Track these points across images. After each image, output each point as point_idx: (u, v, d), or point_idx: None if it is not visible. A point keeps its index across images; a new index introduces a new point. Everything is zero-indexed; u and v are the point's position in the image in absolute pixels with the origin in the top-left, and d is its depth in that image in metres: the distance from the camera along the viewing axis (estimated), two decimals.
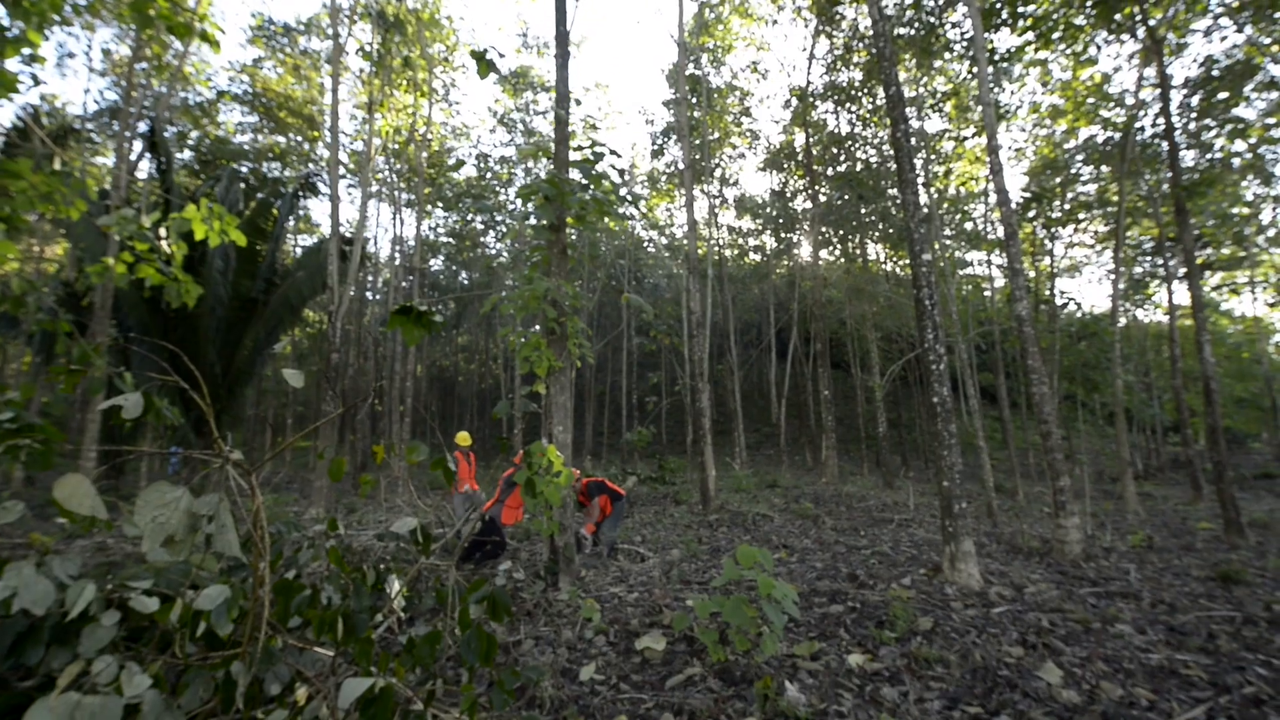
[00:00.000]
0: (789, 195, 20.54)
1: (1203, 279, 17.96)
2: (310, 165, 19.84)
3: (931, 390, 5.77)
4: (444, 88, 18.33)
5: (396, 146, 18.27)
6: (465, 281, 30.73)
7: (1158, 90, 10.17)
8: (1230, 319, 23.70)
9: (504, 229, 25.83)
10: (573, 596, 4.83)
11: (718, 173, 21.41)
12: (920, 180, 13.06)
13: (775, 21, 17.44)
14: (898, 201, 15.57)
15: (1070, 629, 4.22)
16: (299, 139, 19.92)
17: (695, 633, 3.87)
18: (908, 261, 11.12)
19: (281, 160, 19.77)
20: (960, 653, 3.67)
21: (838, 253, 20.30)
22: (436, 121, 19.56)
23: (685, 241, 21.98)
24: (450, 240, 27.23)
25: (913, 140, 10.00)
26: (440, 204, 23.21)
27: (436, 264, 29.86)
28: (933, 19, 12.58)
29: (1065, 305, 18.05)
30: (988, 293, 21.54)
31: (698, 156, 16.92)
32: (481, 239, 26.77)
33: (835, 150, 17.11)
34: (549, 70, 25.36)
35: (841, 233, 18.56)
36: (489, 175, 22.44)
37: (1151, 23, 10.26)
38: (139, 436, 11.34)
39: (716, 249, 21.69)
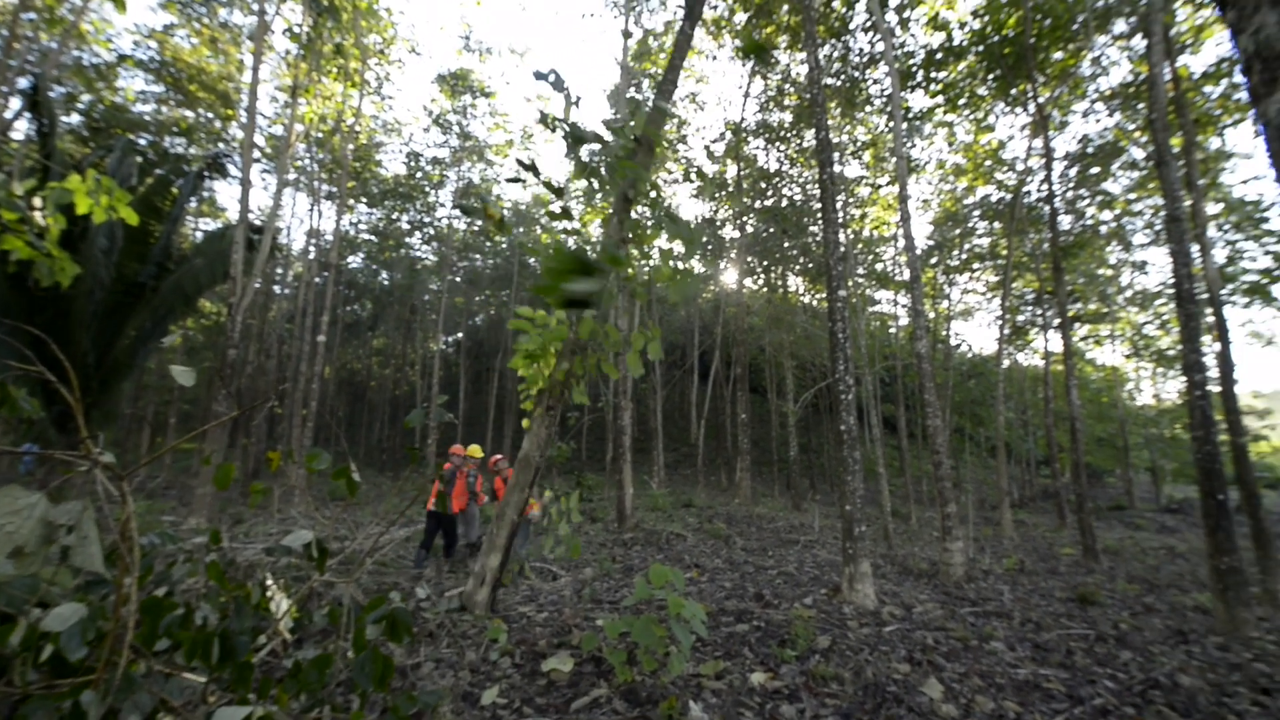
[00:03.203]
0: (718, 224, 21.27)
1: (1072, 330, 20.19)
2: (221, 145, 18.40)
3: (840, 418, 6.11)
4: (377, 80, 17.63)
5: (320, 135, 17.33)
6: (385, 282, 29.40)
7: (1043, 160, 11.44)
8: (1094, 367, 26.70)
9: (431, 230, 25.03)
10: (479, 620, 4.68)
11: (651, 195, 21.81)
12: (839, 221, 13.93)
13: (715, 58, 18.17)
14: (818, 239, 16.53)
15: (952, 646, 4.54)
16: (210, 116, 18.43)
17: (604, 653, 3.85)
18: (825, 295, 11.78)
19: (188, 136, 18.20)
20: (854, 670, 3.87)
21: (761, 282, 21.18)
22: (366, 114, 18.75)
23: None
24: (372, 238, 26.03)
25: (835, 183, 10.67)
26: (364, 199, 22.17)
27: (355, 261, 28.40)
28: (857, 74, 13.56)
29: (959, 346, 19.73)
30: (893, 330, 23.16)
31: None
32: (406, 239, 25.78)
33: (763, 185, 17.95)
34: (490, 75, 25.03)
35: (765, 263, 19.40)
36: (419, 175, 21.73)
37: (1040, 100, 11.57)
38: None
39: (646, 269, 21.99)
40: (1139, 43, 11.48)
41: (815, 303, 21.71)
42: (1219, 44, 11.07)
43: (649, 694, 3.40)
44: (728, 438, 24.61)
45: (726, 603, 5.44)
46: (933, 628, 5.00)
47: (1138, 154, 13.98)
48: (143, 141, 16.40)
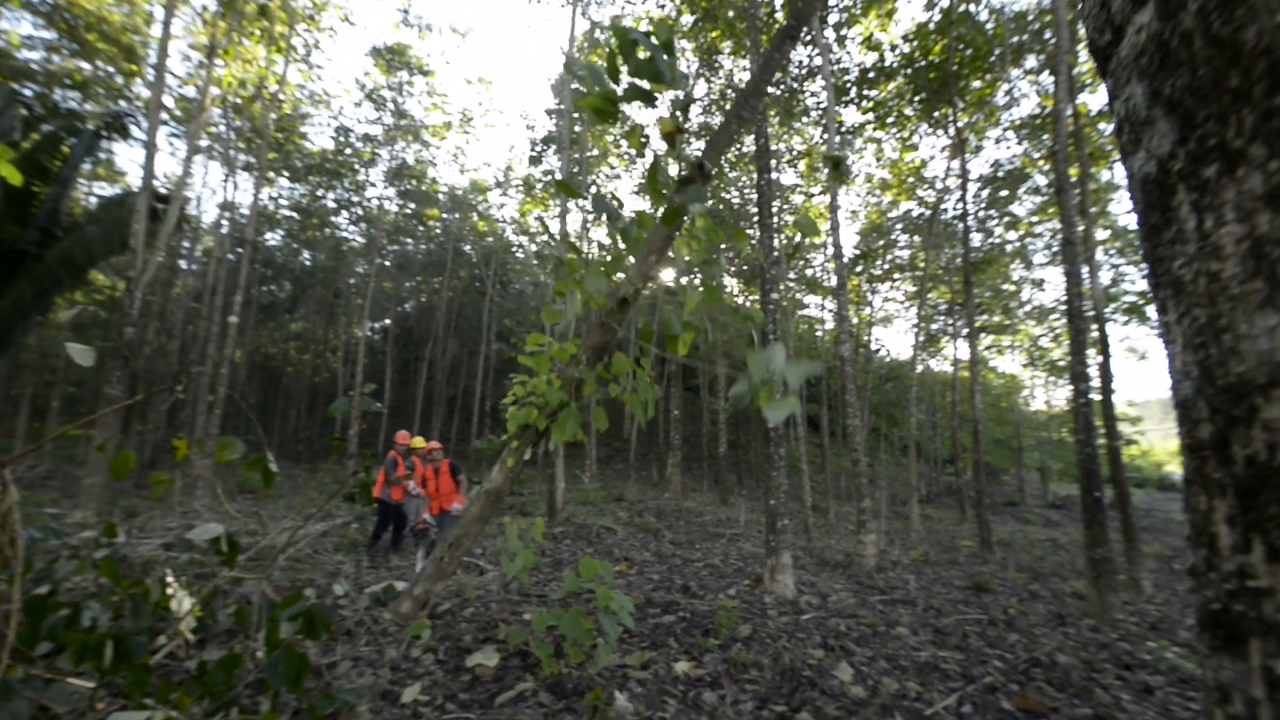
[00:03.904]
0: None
1: (978, 339, 21.81)
2: (123, 103, 16.73)
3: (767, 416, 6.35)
4: (305, 47, 16.57)
5: (239, 101, 16.11)
6: (307, 262, 27.76)
7: (959, 180, 12.28)
8: (995, 374, 28.95)
9: (359, 211, 23.86)
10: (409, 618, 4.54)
11: (594, 188, 21.73)
12: (775, 226, 14.43)
13: None
14: (753, 242, 17.01)
15: (862, 632, 4.84)
16: (110, 70, 16.72)
17: (531, 647, 3.85)
18: (758, 297, 12.13)
19: (83, 90, 16.42)
20: (773, 656, 4.05)
21: (698, 280, 21.56)
22: (292, 82, 17.59)
23: (555, 250, 21.84)
24: (294, 214, 24.48)
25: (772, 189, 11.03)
26: (286, 173, 20.81)
27: (274, 238, 26.64)
28: (796, 85, 14.04)
29: (878, 351, 20.86)
30: (819, 333, 24.21)
31: (576, 170, 17.08)
32: (332, 217, 24.43)
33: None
34: (429, 53, 24.08)
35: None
36: (348, 151, 20.63)
37: (960, 124, 12.41)
38: None
39: (586, 263, 21.92)
40: (1046, 79, 12.53)
41: (749, 304, 22.34)
42: None
43: (575, 686, 3.43)
44: (660, 434, 24.95)
45: (654, 594, 5.55)
46: (846, 615, 5.30)
47: (1041, 181, 15.27)
48: (28, 93, 14.68)
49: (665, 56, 2.90)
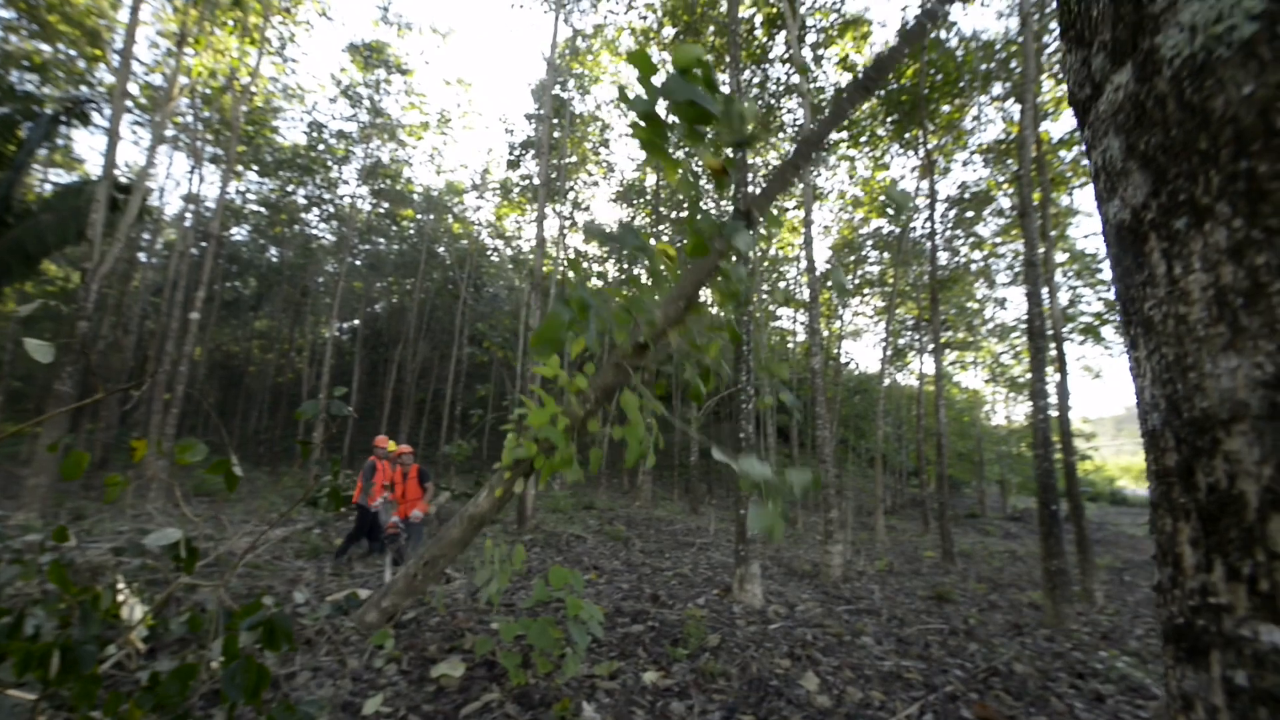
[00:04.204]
0: (637, 229, 21.57)
1: (943, 355, 22.41)
2: (84, 89, 16.12)
3: (739, 426, 6.42)
4: (280, 40, 16.23)
5: (209, 92, 15.68)
6: (274, 259, 27.06)
7: (928, 200, 12.64)
8: (959, 389, 29.75)
9: (330, 208, 23.40)
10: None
11: (571, 195, 21.74)
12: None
13: None
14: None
15: (828, 641, 4.91)
16: (73, 53, 16.10)
17: (498, 657, 3.80)
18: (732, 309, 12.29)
19: (42, 73, 15.77)
20: (741, 666, 4.08)
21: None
22: (264, 75, 17.21)
23: (531, 256, 21.76)
24: (262, 210, 23.87)
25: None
26: (256, 167, 20.30)
27: (240, 234, 25.91)
28: (774, 101, 14.31)
29: (848, 364, 21.26)
30: (791, 345, 24.56)
31: (554, 175, 17.07)
32: (302, 214, 23.89)
33: (680, 197, 18.45)
34: (408, 52, 23.85)
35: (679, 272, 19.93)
36: (321, 147, 20.24)
37: (929, 146, 12.80)
38: None
39: (561, 268, 21.89)
40: (1012, 106, 13.02)
41: (722, 315, 22.54)
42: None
43: (542, 696, 3.40)
44: None
45: (623, 603, 5.53)
46: (812, 625, 5.37)
47: (1005, 203, 15.83)
48: None
49: (704, 89, 2.44)
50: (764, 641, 4.69)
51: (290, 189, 21.83)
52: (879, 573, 9.03)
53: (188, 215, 18.49)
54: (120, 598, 2.71)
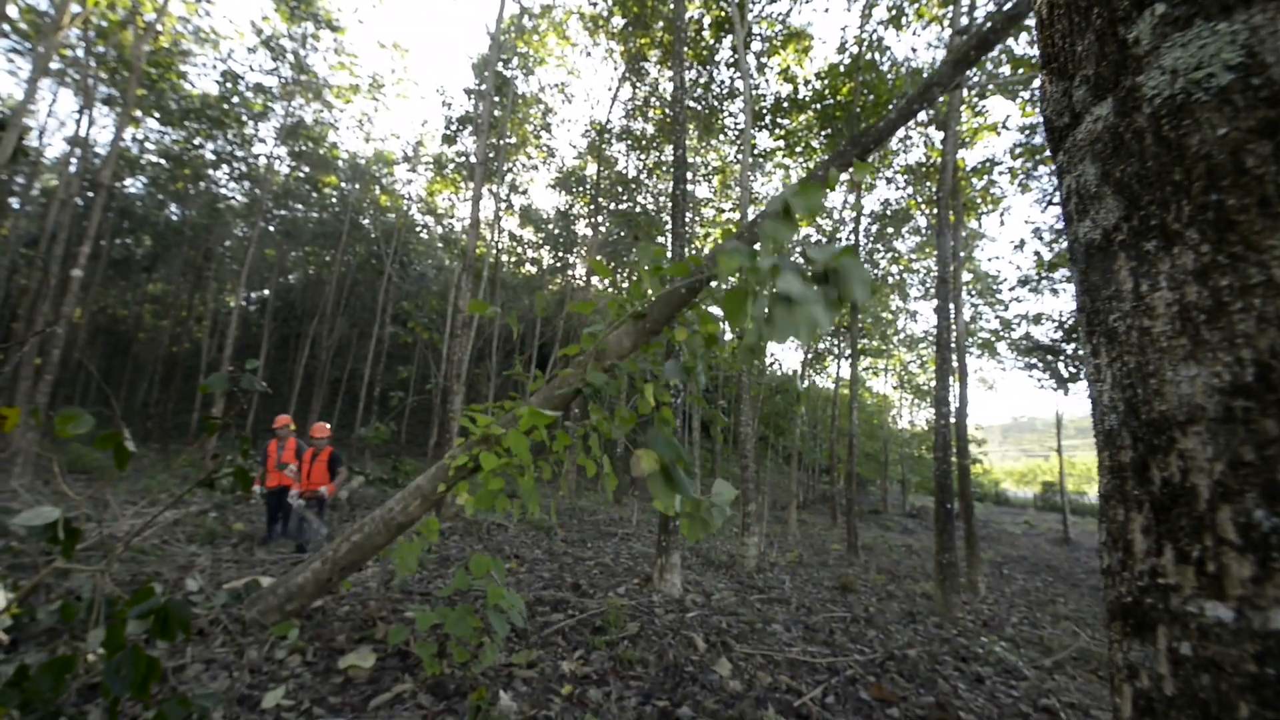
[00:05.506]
0: (572, 218, 21.36)
1: (859, 361, 23.73)
2: None
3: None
4: None
5: (105, 25, 14.03)
6: (175, 217, 24.71)
7: (855, 214, 13.32)
8: (870, 393, 31.64)
9: (243, 167, 21.63)
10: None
11: (509, 177, 21.21)
12: (686, 236, 14.87)
13: (589, 53, 18.24)
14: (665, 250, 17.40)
15: (741, 629, 5.12)
16: None
17: (412, 646, 3.69)
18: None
19: None
20: (658, 653, 4.18)
21: (608, 282, 21.72)
22: (174, 14, 15.61)
23: (464, 236, 21.09)
24: (163, 162, 21.71)
25: (686, 199, 11.38)
26: (157, 114, 18.41)
27: (136, 186, 23.44)
28: (717, 103, 14.56)
29: (771, 364, 22.07)
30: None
31: (492, 155, 16.59)
32: (209, 170, 21.94)
33: (619, 188, 18.44)
34: (339, 7, 22.35)
35: (614, 265, 19.93)
36: (235, 100, 18.64)
37: None
38: None
39: (495, 251, 21.33)
40: (935, 133, 13.90)
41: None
42: (987, 146, 13.87)
43: (458, 686, 3.34)
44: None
45: (544, 593, 5.52)
46: (727, 613, 5.58)
47: (922, 222, 16.92)
48: None
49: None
50: (681, 629, 4.83)
51: (197, 142, 19.97)
52: (790, 564, 9.48)
53: (73, 161, 16.51)
54: None
